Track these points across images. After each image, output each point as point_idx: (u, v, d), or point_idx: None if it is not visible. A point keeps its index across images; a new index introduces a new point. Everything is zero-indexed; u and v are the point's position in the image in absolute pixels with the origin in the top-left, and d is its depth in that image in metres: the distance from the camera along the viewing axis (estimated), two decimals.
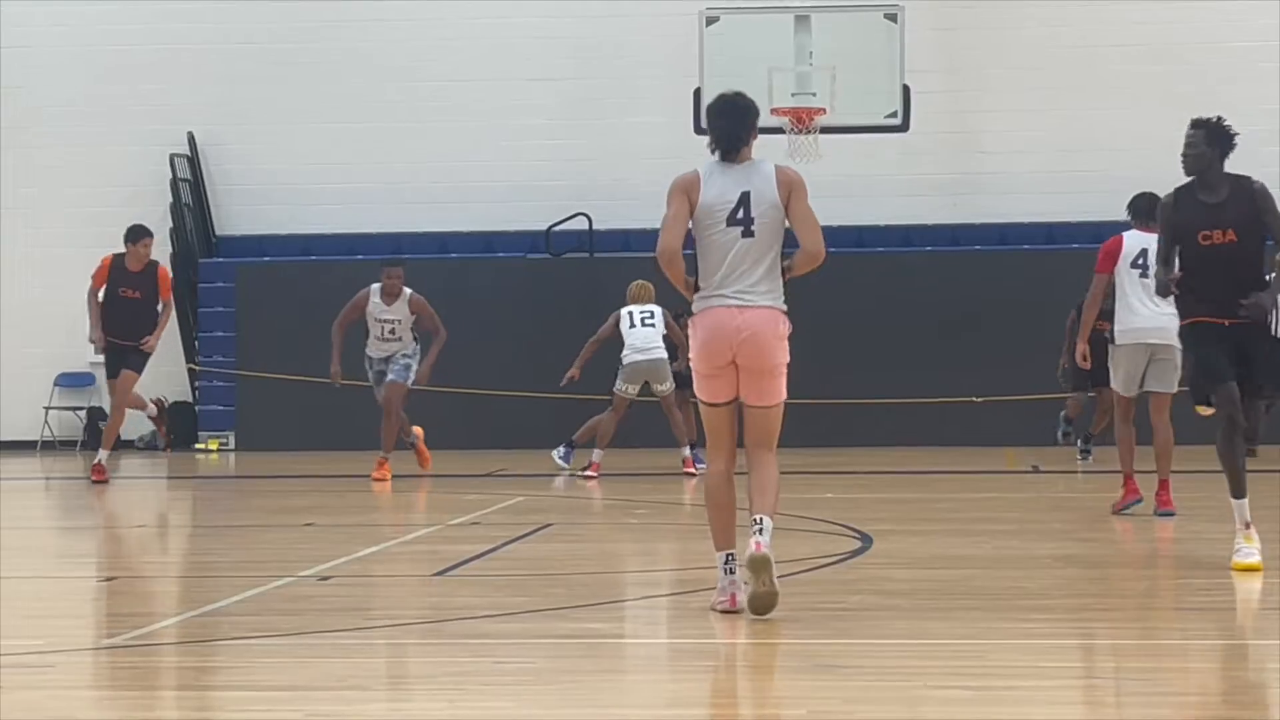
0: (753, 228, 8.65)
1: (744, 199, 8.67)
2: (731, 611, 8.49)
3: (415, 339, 17.70)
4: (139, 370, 17.66)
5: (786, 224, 8.70)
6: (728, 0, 21.43)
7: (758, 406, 8.74)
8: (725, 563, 8.63)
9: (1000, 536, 12.42)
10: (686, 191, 8.71)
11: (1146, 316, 12.73)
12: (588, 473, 17.74)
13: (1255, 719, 6.61)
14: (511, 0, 24.59)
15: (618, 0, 24.41)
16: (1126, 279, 12.85)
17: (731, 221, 8.66)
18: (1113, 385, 13.07)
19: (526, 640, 8.27)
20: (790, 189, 8.69)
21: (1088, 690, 7.05)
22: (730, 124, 8.81)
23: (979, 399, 22.20)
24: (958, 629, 8.41)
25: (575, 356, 18.46)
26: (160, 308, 17.59)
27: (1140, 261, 12.76)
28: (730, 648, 7.79)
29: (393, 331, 17.58)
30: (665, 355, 18.00)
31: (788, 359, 8.77)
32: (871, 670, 7.44)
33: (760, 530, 8.41)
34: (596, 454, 17.99)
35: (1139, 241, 12.84)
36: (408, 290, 17.56)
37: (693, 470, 17.60)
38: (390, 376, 17.61)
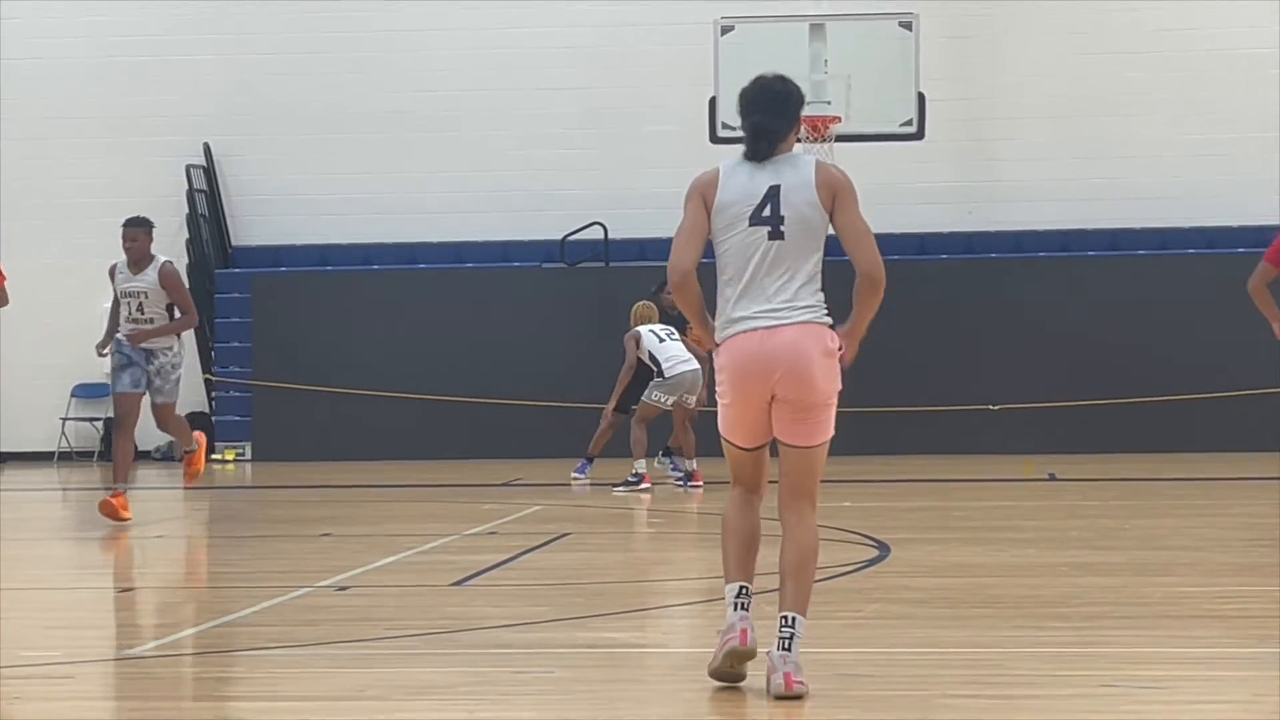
0: (782, 228, 6.98)
1: (773, 194, 7.00)
2: (742, 651, 7.02)
3: (178, 340, 14.80)
4: None
5: (830, 230, 7.11)
6: (743, 9, 21.46)
7: (797, 447, 7.09)
8: (736, 595, 7.07)
9: (1017, 545, 12.41)
10: (703, 194, 7.08)
11: None
12: (641, 487, 17.34)
13: None
14: (526, 10, 24.64)
15: (633, 9, 24.46)
16: None
17: (756, 220, 6.99)
18: None
19: (545, 650, 8.26)
20: (835, 192, 7.04)
21: (1105, 699, 7.03)
22: (767, 116, 7.09)
23: (995, 407, 22.18)
24: (975, 637, 8.41)
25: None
26: None
27: None
28: None
29: (140, 308, 14.64)
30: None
31: (839, 386, 7.09)
32: (889, 679, 7.43)
33: (789, 641, 6.90)
34: (640, 464, 17.52)
35: None
36: (160, 257, 14.85)
37: (699, 484, 17.49)
38: (159, 400, 14.76)
